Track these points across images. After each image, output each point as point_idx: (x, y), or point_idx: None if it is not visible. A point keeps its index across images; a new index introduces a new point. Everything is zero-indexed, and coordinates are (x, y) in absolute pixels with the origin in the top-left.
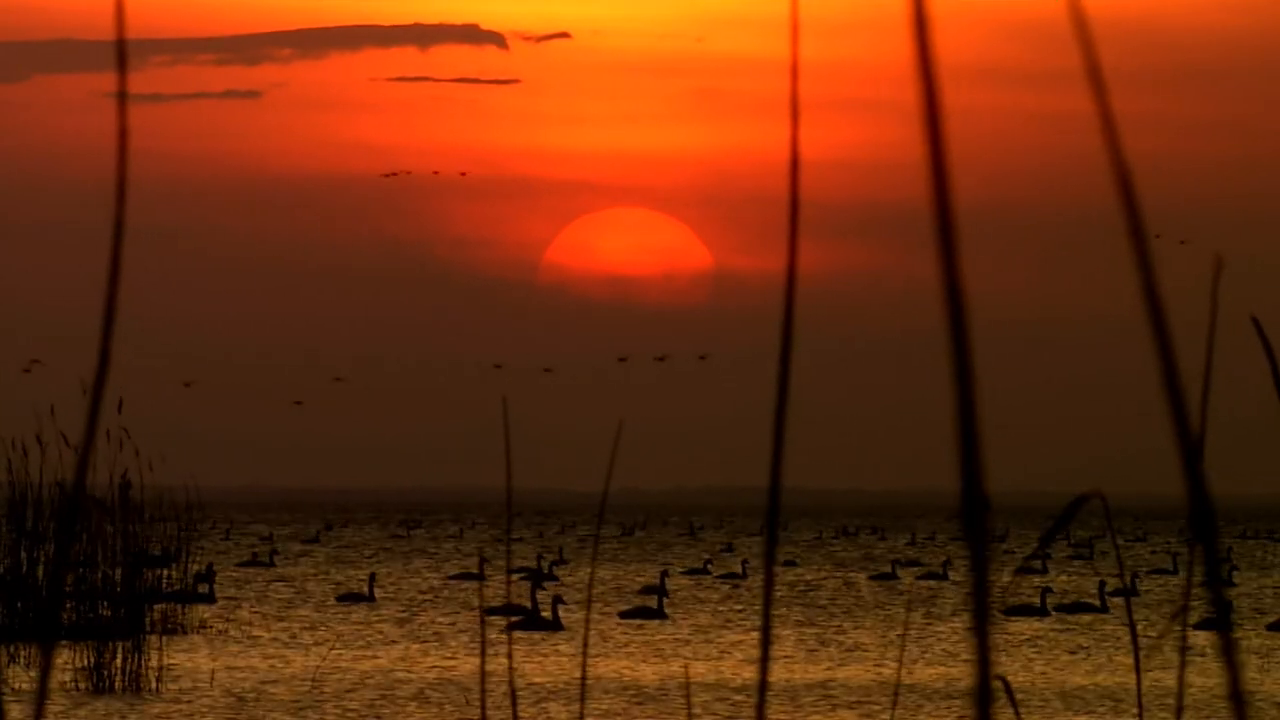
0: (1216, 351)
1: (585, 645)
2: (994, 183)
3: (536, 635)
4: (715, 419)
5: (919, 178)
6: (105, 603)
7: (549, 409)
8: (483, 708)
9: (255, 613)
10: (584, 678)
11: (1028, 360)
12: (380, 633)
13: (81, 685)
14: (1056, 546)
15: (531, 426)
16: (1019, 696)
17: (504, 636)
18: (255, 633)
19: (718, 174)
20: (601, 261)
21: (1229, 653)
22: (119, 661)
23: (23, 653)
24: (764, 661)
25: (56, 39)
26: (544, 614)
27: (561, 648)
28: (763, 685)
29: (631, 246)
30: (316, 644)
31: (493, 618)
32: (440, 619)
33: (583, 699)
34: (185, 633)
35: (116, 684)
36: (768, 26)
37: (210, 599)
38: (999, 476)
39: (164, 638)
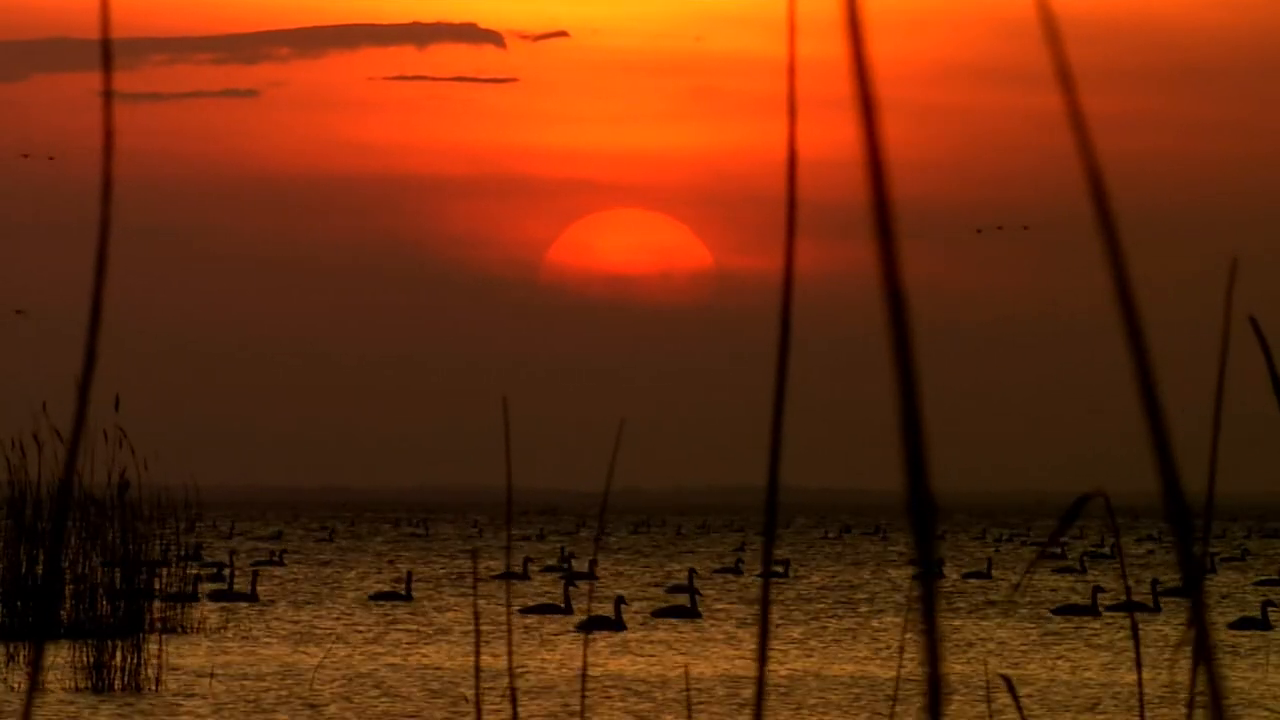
0: (1214, 350)
1: (586, 643)
2: (994, 183)
3: (600, 635)
4: (715, 418)
5: (919, 177)
6: (105, 601)
7: (550, 408)
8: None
9: (293, 611)
10: (584, 672)
11: (1029, 359)
12: (422, 631)
13: (81, 684)
14: (1080, 546)
15: (531, 425)
16: (1056, 694)
17: (576, 636)
18: (285, 631)
19: (717, 173)
20: (601, 261)
21: (1203, 650)
22: (118, 660)
23: (22, 652)
24: (762, 661)
25: (54, 38)
26: (600, 613)
27: (627, 647)
28: (761, 682)
29: (631, 246)
30: (362, 642)
31: (529, 616)
32: (484, 617)
33: (583, 696)
34: (185, 631)
35: (116, 683)
36: (766, 25)
37: (253, 598)
38: (999, 476)
39: (163, 636)
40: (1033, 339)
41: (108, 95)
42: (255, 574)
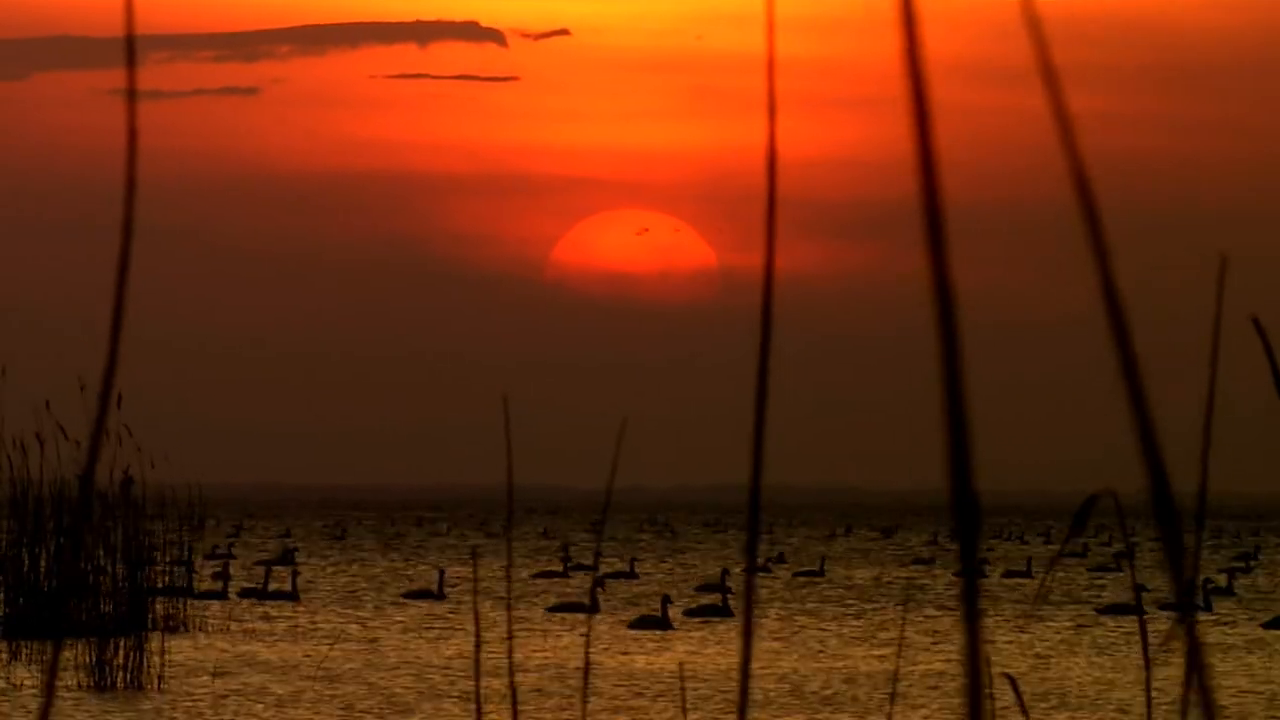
0: (1218, 351)
1: (588, 639)
2: (993, 182)
3: (652, 634)
4: (719, 417)
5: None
6: (111, 599)
7: (555, 406)
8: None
9: (324, 610)
10: (586, 669)
11: (1030, 358)
12: (453, 629)
13: (83, 682)
14: (1093, 544)
15: (535, 423)
16: (1081, 697)
17: (622, 634)
18: (312, 629)
19: (719, 171)
20: (604, 259)
21: (1192, 643)
22: (121, 658)
23: (25, 650)
24: (745, 662)
25: (56, 36)
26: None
27: (675, 646)
28: (744, 678)
29: (634, 244)
30: (390, 639)
31: (559, 614)
32: (516, 616)
33: (585, 691)
34: (188, 629)
35: (119, 680)
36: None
37: (294, 596)
38: (1003, 476)
39: (167, 634)
40: (1035, 338)
41: (131, 94)
42: (295, 573)
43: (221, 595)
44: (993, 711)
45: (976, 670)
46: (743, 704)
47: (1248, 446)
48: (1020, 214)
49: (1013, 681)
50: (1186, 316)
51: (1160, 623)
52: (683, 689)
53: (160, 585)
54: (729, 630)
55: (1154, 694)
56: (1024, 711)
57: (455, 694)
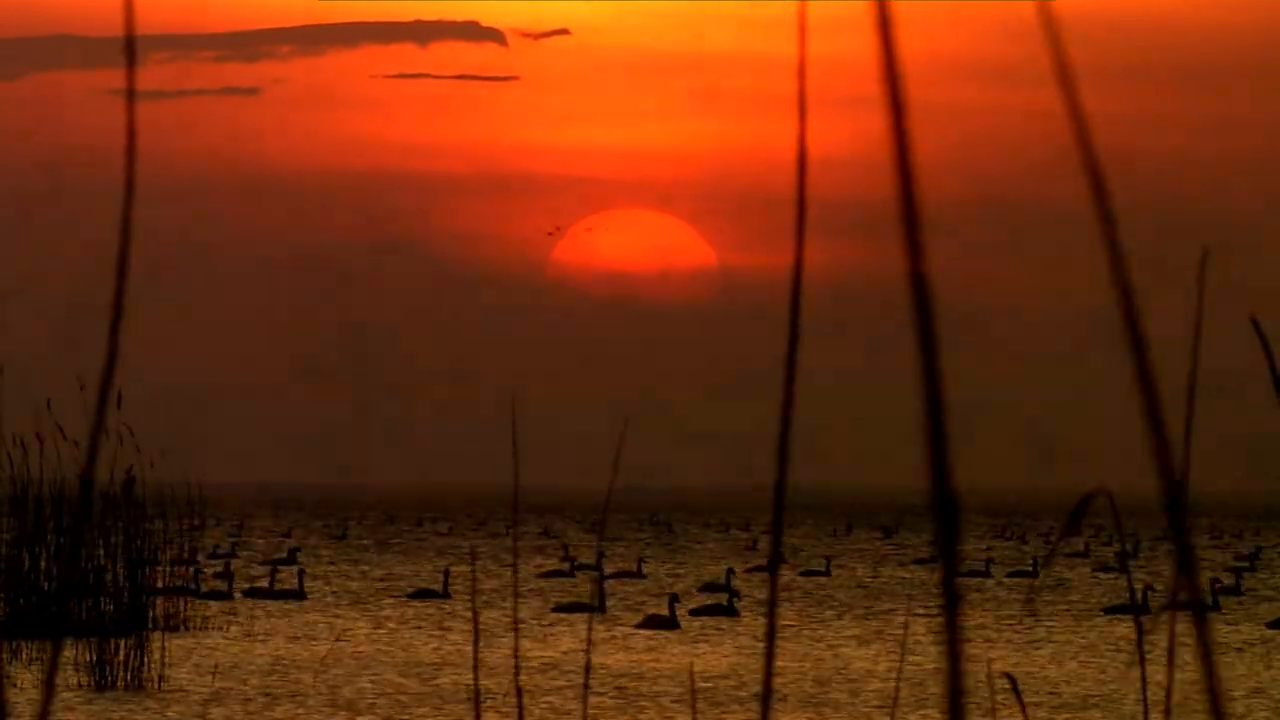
0: (1220, 351)
1: (589, 640)
2: (992, 182)
3: (659, 634)
4: (718, 417)
5: (922, 175)
6: (111, 598)
7: (555, 407)
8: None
9: (328, 609)
10: (588, 668)
11: (1027, 355)
12: (459, 628)
13: (83, 682)
14: (1095, 544)
15: (535, 424)
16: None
17: (631, 634)
18: (313, 628)
19: (719, 171)
20: (604, 259)
21: (1204, 644)
22: (121, 657)
23: (25, 649)
24: (769, 662)
25: (55, 35)
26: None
27: (682, 646)
28: (768, 682)
29: (633, 244)
30: (390, 638)
31: (563, 614)
32: (523, 615)
33: (586, 689)
34: (189, 629)
35: (119, 680)
36: (768, 23)
37: (300, 595)
38: (1005, 474)
39: (166, 634)
40: (1033, 335)
41: (131, 94)
42: (301, 572)
43: (227, 595)
44: (992, 709)
45: (956, 670)
46: (766, 702)
47: (1247, 446)
48: (1015, 213)
49: (1013, 681)
50: (1186, 316)
51: (1164, 623)
52: (693, 689)
53: (164, 585)
54: (735, 630)
55: (1151, 694)
56: (1023, 711)
57: (458, 693)
